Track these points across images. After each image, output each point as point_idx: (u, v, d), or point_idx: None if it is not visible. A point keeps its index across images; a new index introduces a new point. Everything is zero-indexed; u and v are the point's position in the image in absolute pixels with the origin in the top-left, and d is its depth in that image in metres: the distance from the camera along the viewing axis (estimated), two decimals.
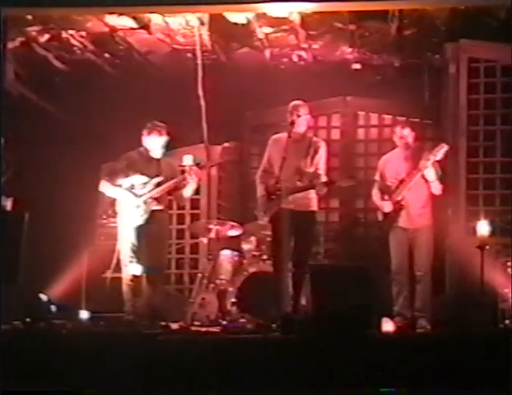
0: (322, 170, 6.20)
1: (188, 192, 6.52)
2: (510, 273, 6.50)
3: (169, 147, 6.58)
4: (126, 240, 6.33)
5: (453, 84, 7.33)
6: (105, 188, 6.48)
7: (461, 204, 7.15)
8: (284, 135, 6.25)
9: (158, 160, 6.49)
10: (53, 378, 4.73)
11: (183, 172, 6.53)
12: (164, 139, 6.46)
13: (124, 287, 6.33)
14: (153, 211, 6.36)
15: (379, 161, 6.76)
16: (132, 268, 6.32)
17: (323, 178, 6.12)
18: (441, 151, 6.35)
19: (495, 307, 6.07)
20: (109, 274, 6.52)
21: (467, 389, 4.60)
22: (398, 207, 6.47)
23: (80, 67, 7.99)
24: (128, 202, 6.36)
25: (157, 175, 6.38)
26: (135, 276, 6.29)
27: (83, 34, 7.55)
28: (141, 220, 6.33)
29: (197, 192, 8.10)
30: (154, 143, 6.44)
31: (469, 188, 7.20)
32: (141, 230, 6.31)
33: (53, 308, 6.58)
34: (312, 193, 6.16)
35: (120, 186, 6.39)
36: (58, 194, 7.58)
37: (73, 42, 7.70)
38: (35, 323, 5.98)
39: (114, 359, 4.81)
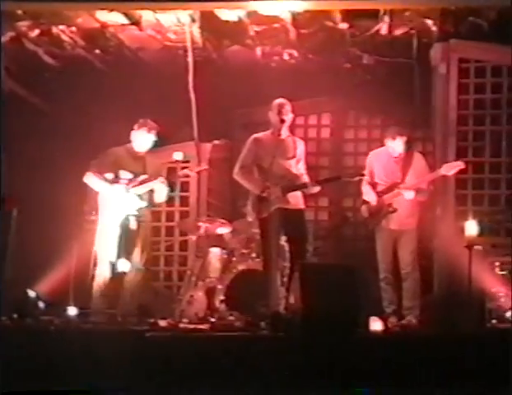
0: (304, 169, 6.29)
1: (159, 197, 6.49)
2: (498, 273, 6.54)
3: (156, 146, 6.59)
4: (107, 236, 6.33)
5: (443, 84, 7.35)
6: (90, 179, 6.47)
7: (450, 204, 7.18)
8: (266, 134, 6.28)
9: (144, 157, 6.51)
10: (40, 374, 4.70)
11: (169, 171, 6.56)
12: (152, 137, 6.49)
13: (96, 283, 6.34)
14: (137, 207, 6.37)
15: (368, 157, 6.78)
16: (119, 265, 6.33)
17: (307, 177, 6.18)
18: (455, 169, 6.40)
19: (482, 306, 6.10)
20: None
21: (454, 388, 4.62)
22: (388, 210, 6.51)
23: (70, 62, 7.95)
24: (111, 196, 6.37)
25: (142, 172, 6.40)
26: (111, 277, 6.32)
27: (73, 29, 7.52)
28: (124, 216, 6.33)
29: (186, 189, 8.15)
30: (141, 138, 6.48)
31: (458, 188, 7.23)
32: (124, 226, 6.32)
33: (41, 304, 6.57)
34: (298, 191, 6.20)
35: (105, 180, 6.39)
36: (46, 190, 7.56)
37: (64, 37, 7.66)
38: (23, 320, 5.96)
39: (101, 355, 4.79)
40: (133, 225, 6.36)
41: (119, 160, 6.46)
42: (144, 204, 6.45)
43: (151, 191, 6.48)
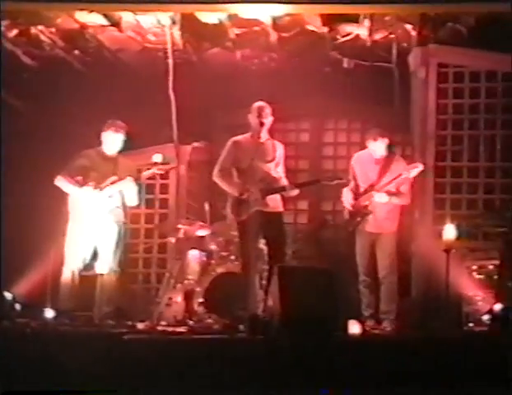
0: (283, 172, 6.31)
1: (130, 199, 6.47)
2: (475, 277, 6.59)
3: (128, 146, 6.59)
4: (76, 238, 6.32)
5: (422, 88, 7.39)
6: (60, 183, 6.46)
7: (428, 207, 7.22)
8: (246, 137, 6.29)
9: (115, 158, 6.49)
10: (16, 377, 4.66)
11: (139, 172, 6.54)
12: (120, 136, 6.48)
13: (63, 284, 6.34)
14: (107, 209, 6.37)
15: (352, 159, 6.81)
16: (90, 266, 6.37)
17: (285, 180, 6.20)
18: (415, 171, 6.44)
19: (459, 310, 6.14)
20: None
21: (430, 391, 4.64)
22: (364, 212, 6.53)
23: (49, 63, 7.91)
24: (81, 199, 6.36)
25: (112, 174, 6.38)
26: (82, 278, 6.33)
27: (53, 30, 7.48)
28: (94, 218, 6.31)
29: (166, 191, 8.13)
30: (110, 139, 6.47)
31: (436, 192, 7.27)
32: (94, 228, 6.33)
33: (18, 306, 6.52)
34: (277, 195, 6.21)
35: (74, 183, 6.37)
36: (23, 191, 7.50)
37: (43, 38, 7.62)
38: None
39: (79, 358, 4.76)
40: (104, 226, 6.34)
41: (90, 163, 6.46)
42: (115, 205, 6.43)
43: (122, 192, 6.45)
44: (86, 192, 6.36)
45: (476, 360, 4.69)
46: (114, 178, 6.39)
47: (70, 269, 6.36)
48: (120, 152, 6.60)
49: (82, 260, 6.38)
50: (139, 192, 6.58)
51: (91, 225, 6.36)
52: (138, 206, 6.92)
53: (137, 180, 6.43)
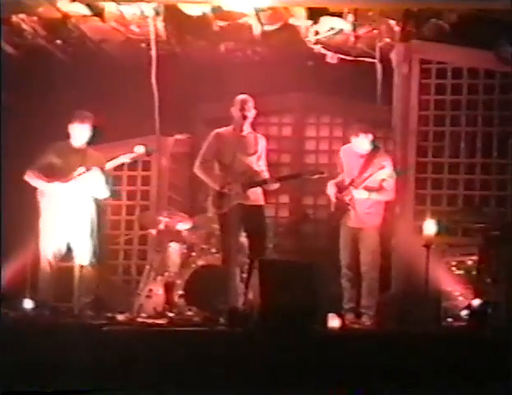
0: (265, 166, 6.30)
1: (99, 190, 6.45)
2: (455, 272, 6.63)
3: (95, 138, 6.57)
4: (51, 231, 6.32)
5: (404, 84, 7.41)
6: (30, 178, 6.44)
7: (409, 203, 7.25)
8: (228, 129, 6.28)
9: (84, 150, 6.47)
10: None
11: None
12: (87, 127, 6.45)
13: (42, 274, 6.34)
14: (79, 202, 6.36)
15: (340, 152, 6.83)
16: (74, 258, 6.35)
17: (267, 174, 6.20)
18: (383, 172, 6.44)
19: (438, 305, 6.18)
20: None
21: (409, 386, 4.67)
22: (346, 206, 6.54)
23: (31, 52, 7.84)
24: (50, 192, 6.34)
25: (80, 165, 6.36)
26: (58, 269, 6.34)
27: (34, 18, 7.42)
28: (65, 210, 6.30)
29: (147, 183, 8.10)
30: (77, 130, 6.45)
31: (417, 188, 7.30)
32: (64, 220, 6.32)
33: None
34: (258, 188, 6.21)
35: (43, 176, 6.36)
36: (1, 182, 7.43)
37: (24, 26, 7.55)
38: None
39: (58, 350, 4.75)
40: (75, 219, 6.32)
41: (57, 156, 6.44)
42: (85, 197, 6.40)
43: (93, 184, 6.42)
44: (54, 187, 6.34)
45: (453, 354, 4.73)
46: (81, 169, 6.36)
47: (46, 260, 6.35)
48: (90, 144, 6.56)
49: (57, 252, 6.36)
50: (107, 182, 6.51)
51: (63, 218, 6.33)
52: (111, 198, 6.87)
53: (104, 171, 6.39)
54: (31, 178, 6.43)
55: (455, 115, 7.35)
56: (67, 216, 6.36)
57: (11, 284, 6.91)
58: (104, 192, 6.49)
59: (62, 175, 6.36)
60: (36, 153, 6.58)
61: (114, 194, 7.01)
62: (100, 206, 6.62)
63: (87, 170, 6.35)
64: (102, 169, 6.37)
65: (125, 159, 6.56)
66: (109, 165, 6.49)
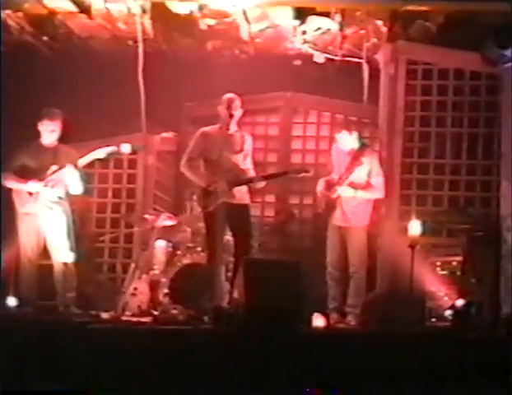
0: (251, 164, 6.32)
1: (73, 188, 6.43)
2: (439, 272, 6.66)
3: (65, 137, 6.54)
4: (28, 230, 6.33)
5: (391, 85, 7.43)
6: (5, 180, 6.44)
7: (394, 203, 7.27)
8: (215, 128, 6.29)
9: (55, 147, 6.45)
10: None
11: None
12: (56, 125, 6.43)
13: (23, 272, 6.35)
14: (54, 200, 6.36)
15: (331, 150, 6.85)
16: (61, 256, 6.33)
17: (253, 172, 6.21)
18: (360, 168, 6.44)
19: (422, 305, 6.21)
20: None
21: (393, 386, 4.68)
22: (333, 205, 6.56)
23: (17, 48, 7.79)
24: (27, 193, 6.34)
25: (52, 163, 6.34)
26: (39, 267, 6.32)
27: (20, 14, 7.38)
28: (41, 209, 6.31)
29: (133, 181, 8.08)
30: (46, 129, 6.44)
31: (403, 188, 7.32)
32: (41, 219, 6.32)
33: None
34: (244, 187, 6.21)
35: (18, 179, 6.35)
36: None
37: (10, 22, 7.51)
38: None
39: (42, 348, 4.73)
40: (52, 217, 6.31)
41: (29, 156, 6.42)
42: (59, 196, 6.38)
43: (67, 181, 6.41)
44: (29, 187, 6.33)
45: (437, 354, 4.75)
46: (54, 167, 6.34)
47: (26, 257, 6.35)
48: (60, 142, 6.54)
49: (36, 249, 6.36)
50: (82, 179, 6.48)
51: (39, 217, 6.33)
52: (87, 195, 6.85)
53: (77, 167, 6.37)
54: (6, 181, 6.43)
55: (441, 116, 7.37)
56: (43, 215, 6.34)
57: None
58: (78, 189, 6.46)
59: (36, 175, 6.34)
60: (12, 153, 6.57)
61: (89, 191, 7.00)
62: (77, 203, 6.60)
63: (60, 168, 6.33)
64: (75, 165, 6.35)
65: (99, 154, 6.50)
66: (82, 162, 6.45)
